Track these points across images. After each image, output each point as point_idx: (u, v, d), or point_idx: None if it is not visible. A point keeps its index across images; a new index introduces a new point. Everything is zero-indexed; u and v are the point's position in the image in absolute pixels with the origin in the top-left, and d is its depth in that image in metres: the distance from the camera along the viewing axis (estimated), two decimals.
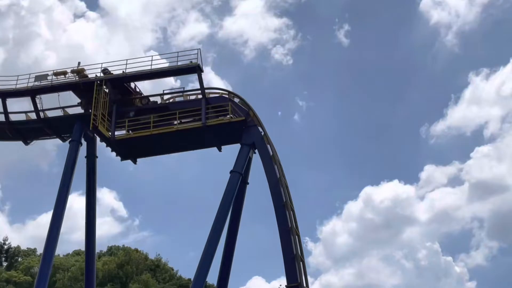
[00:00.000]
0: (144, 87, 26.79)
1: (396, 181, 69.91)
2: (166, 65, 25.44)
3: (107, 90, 25.34)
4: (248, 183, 25.22)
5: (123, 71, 25.28)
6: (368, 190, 68.69)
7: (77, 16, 77.24)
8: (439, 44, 67.68)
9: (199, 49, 24.88)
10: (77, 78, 25.58)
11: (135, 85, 26.03)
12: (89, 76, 25.75)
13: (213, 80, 69.09)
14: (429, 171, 70.64)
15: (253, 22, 75.13)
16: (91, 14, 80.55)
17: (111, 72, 25.25)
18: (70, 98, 26.19)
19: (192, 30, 72.99)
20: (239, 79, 71.94)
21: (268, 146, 24.23)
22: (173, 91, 26.43)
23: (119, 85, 25.52)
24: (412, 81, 68.36)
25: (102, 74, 25.31)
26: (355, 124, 68.14)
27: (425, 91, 67.43)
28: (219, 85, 65.48)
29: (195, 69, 24.55)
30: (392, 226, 67.93)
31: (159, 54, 28.91)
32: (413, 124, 69.13)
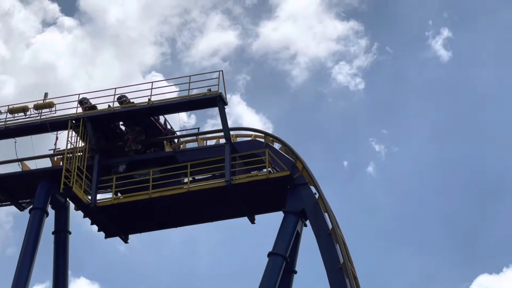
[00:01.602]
0: None
1: None
2: (176, 94, 25.59)
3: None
4: (296, 272, 23.95)
5: (109, 105, 25.07)
6: (484, 280, 63.80)
7: (47, 23, 75.53)
8: None
9: (221, 70, 24.38)
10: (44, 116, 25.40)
11: (165, 119, 25.73)
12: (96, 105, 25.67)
13: (244, 115, 66.27)
14: None
15: (304, 28, 71.25)
16: (67, 21, 77.71)
17: (129, 99, 25.19)
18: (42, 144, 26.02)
19: (214, 41, 69.77)
20: (284, 113, 67.80)
21: (326, 215, 23.07)
22: (183, 133, 25.98)
23: (105, 126, 25.18)
24: None
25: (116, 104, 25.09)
26: (463, 179, 62.13)
27: None
28: (253, 123, 62.54)
29: (215, 100, 23.93)
30: None
31: (165, 79, 28.64)
32: None
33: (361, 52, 62.57)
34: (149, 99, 24.52)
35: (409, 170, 61.15)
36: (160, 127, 25.27)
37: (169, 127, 25.58)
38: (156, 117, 25.00)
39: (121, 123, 25.44)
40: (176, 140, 25.79)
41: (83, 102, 25.37)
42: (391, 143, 60.55)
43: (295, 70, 63.96)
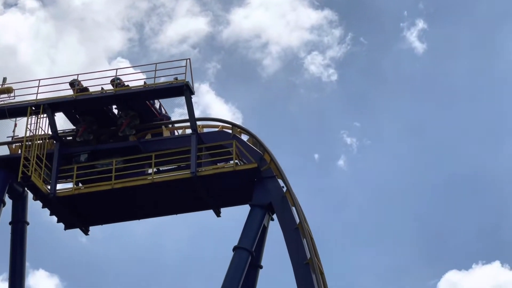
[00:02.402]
0: None
1: (496, 264, 65.09)
2: (142, 81, 24.98)
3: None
4: (261, 267, 23.96)
5: (102, 88, 24.69)
6: (452, 277, 64.26)
7: (8, 4, 74.40)
8: None
9: (189, 59, 24.24)
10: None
11: (160, 104, 25.42)
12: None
13: (212, 104, 65.51)
14: None
15: (277, 17, 70.93)
16: (29, 2, 77.17)
17: (124, 82, 24.87)
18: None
19: (183, 28, 68.89)
20: (254, 103, 67.54)
21: (294, 209, 23.04)
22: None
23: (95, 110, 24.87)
24: None
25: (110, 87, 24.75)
26: (433, 175, 62.39)
27: None
28: (222, 113, 61.96)
29: (182, 89, 23.78)
30: None
31: (131, 66, 28.40)
32: None
33: (335, 42, 62.53)
34: (116, 83, 24.29)
35: (381, 164, 61.33)
36: (155, 112, 25.07)
37: (164, 112, 25.38)
38: (151, 102, 24.78)
39: (114, 107, 25.07)
40: (170, 126, 25.52)
41: (74, 84, 24.89)
42: (363, 136, 60.51)
43: (267, 59, 63.65)
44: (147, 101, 24.60)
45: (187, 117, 24.43)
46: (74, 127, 25.23)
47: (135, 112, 24.67)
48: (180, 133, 25.16)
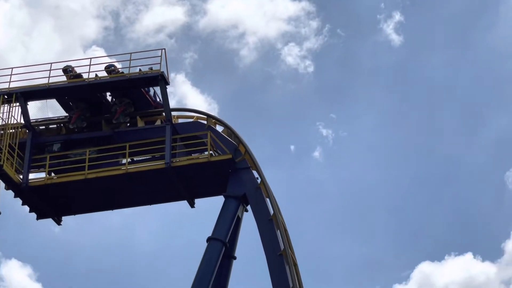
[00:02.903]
0: None
1: (469, 255, 65.41)
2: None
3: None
4: (235, 258, 24.05)
5: (96, 75, 24.51)
6: (425, 268, 64.49)
7: None
8: None
9: (164, 49, 24.25)
10: None
11: (154, 92, 25.21)
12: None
13: (189, 95, 65.04)
14: None
15: (254, 7, 70.52)
16: None
17: (118, 70, 24.73)
18: None
19: (160, 17, 68.22)
20: (230, 94, 67.33)
21: (268, 200, 23.15)
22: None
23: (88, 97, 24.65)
24: (495, 102, 63.97)
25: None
26: (408, 166, 62.47)
27: None
28: (198, 103, 61.79)
29: (156, 79, 23.75)
30: None
31: (106, 56, 28.29)
32: (495, 167, 63.68)
33: (312, 34, 62.50)
34: (96, 74, 24.24)
35: (356, 155, 61.55)
36: (150, 99, 24.95)
37: (158, 99, 25.24)
38: (146, 89, 24.68)
39: (108, 94, 24.92)
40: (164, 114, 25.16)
41: (67, 70, 24.69)
42: (339, 127, 60.64)
43: (244, 50, 63.41)
44: (142, 89, 24.51)
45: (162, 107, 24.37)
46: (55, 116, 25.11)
47: (130, 100, 24.57)
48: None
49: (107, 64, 24.74)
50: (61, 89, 24.40)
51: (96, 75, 24.54)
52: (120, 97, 24.59)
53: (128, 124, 24.57)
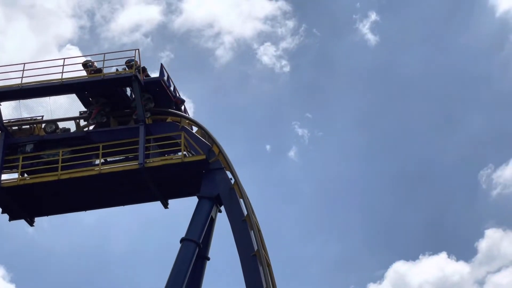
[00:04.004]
0: (60, 103, 25.67)
1: (443, 255, 65.90)
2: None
3: None
4: (209, 258, 24.11)
5: (117, 69, 24.54)
6: (399, 267, 64.81)
7: None
8: (510, 45, 64.83)
9: (138, 49, 24.37)
10: None
11: (174, 87, 25.28)
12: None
13: None
14: (493, 239, 66.21)
15: (230, 6, 70.30)
16: None
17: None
18: None
19: (135, 17, 67.86)
20: (206, 93, 66.97)
21: (241, 201, 23.19)
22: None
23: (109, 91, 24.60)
24: (470, 101, 64.38)
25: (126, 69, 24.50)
26: (383, 166, 62.45)
27: (489, 117, 63.26)
28: None
29: (130, 80, 23.71)
30: None
31: (79, 56, 28.18)
32: (469, 166, 63.93)
33: (288, 33, 62.63)
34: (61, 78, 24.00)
35: (332, 155, 61.79)
36: (170, 95, 24.91)
37: (178, 94, 25.31)
38: (167, 84, 24.64)
39: (128, 89, 24.83)
40: (183, 109, 25.48)
41: (87, 65, 24.62)
42: (315, 127, 60.91)
43: (219, 49, 63.35)
44: (163, 83, 24.47)
45: None
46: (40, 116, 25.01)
47: (150, 95, 24.53)
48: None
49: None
50: (34, 89, 24.29)
51: (117, 69, 24.52)
52: (142, 92, 24.34)
53: (151, 120, 24.56)
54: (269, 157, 59.79)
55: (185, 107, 25.78)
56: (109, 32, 62.33)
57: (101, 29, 62.54)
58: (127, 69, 24.21)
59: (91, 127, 25.03)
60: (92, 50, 59.79)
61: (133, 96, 24.44)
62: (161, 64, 24.50)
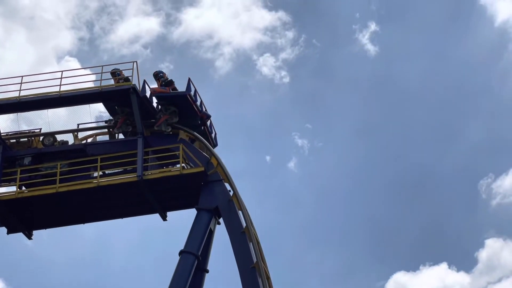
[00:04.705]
0: (57, 115, 25.62)
1: (444, 265, 65.58)
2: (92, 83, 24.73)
3: None
4: (207, 271, 23.88)
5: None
6: (400, 278, 64.45)
7: None
8: (509, 55, 64.63)
9: (136, 61, 24.30)
10: None
11: (201, 101, 25.13)
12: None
13: None
14: (493, 248, 65.78)
15: (229, 17, 69.97)
16: None
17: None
18: None
19: (135, 28, 67.64)
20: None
21: (240, 212, 22.99)
22: (91, 125, 25.43)
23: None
24: (470, 111, 64.24)
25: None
26: (383, 177, 62.17)
27: (489, 126, 63.07)
28: None
29: (127, 92, 23.62)
30: None
31: (77, 69, 28.14)
32: (468, 176, 63.76)
33: (288, 44, 62.59)
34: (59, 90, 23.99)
35: (332, 166, 61.65)
36: (196, 109, 24.68)
37: (204, 109, 25.14)
38: (193, 99, 24.43)
39: (155, 100, 24.70)
40: (208, 123, 25.31)
41: (115, 73, 24.56)
42: (314, 138, 60.85)
43: (219, 60, 63.34)
44: (189, 98, 24.27)
45: None
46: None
47: (176, 108, 24.38)
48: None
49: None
50: (32, 102, 24.22)
51: (144, 80, 24.47)
52: (166, 105, 24.34)
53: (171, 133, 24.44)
54: (269, 168, 59.66)
55: (211, 122, 25.61)
56: (108, 43, 62.35)
57: (100, 40, 62.54)
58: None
59: (120, 135, 24.96)
60: (91, 61, 59.72)
61: (159, 107, 24.42)
62: (189, 79, 24.29)
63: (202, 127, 25.10)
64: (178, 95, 24.31)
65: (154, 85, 24.84)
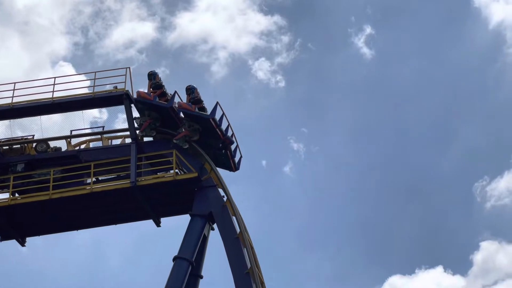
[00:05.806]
0: (52, 121, 25.56)
1: (439, 269, 65.56)
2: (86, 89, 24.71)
3: None
4: (201, 277, 23.87)
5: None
6: (395, 281, 64.43)
7: None
8: (504, 57, 64.72)
9: (129, 67, 24.32)
10: None
11: (229, 124, 24.56)
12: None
13: None
14: (488, 251, 65.95)
15: (225, 21, 69.64)
16: None
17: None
18: None
19: (129, 33, 67.64)
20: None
21: (234, 218, 23.03)
22: (84, 132, 25.27)
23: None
24: (465, 113, 64.24)
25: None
26: (378, 181, 62.24)
27: (484, 129, 63.32)
28: None
29: (121, 98, 23.66)
30: None
31: (71, 75, 28.09)
32: (463, 178, 63.92)
33: (284, 48, 62.59)
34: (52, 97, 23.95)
35: (328, 170, 61.57)
36: (220, 133, 24.05)
37: (230, 133, 24.44)
38: (217, 123, 23.80)
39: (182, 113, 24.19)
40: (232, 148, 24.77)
41: (152, 75, 24.60)
42: (310, 142, 60.84)
43: (214, 64, 63.31)
44: (212, 122, 23.69)
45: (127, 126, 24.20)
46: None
47: (200, 127, 23.94)
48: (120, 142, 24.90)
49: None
50: (25, 108, 24.24)
51: (175, 91, 24.44)
52: (190, 122, 23.96)
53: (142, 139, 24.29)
54: (264, 172, 59.60)
55: (237, 146, 25.05)
56: (103, 48, 62.26)
57: (95, 45, 62.47)
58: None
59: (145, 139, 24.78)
60: (86, 66, 59.66)
61: (184, 121, 24.05)
62: (217, 102, 23.79)
63: (223, 150, 24.64)
64: (201, 118, 23.84)
65: (182, 97, 24.52)
